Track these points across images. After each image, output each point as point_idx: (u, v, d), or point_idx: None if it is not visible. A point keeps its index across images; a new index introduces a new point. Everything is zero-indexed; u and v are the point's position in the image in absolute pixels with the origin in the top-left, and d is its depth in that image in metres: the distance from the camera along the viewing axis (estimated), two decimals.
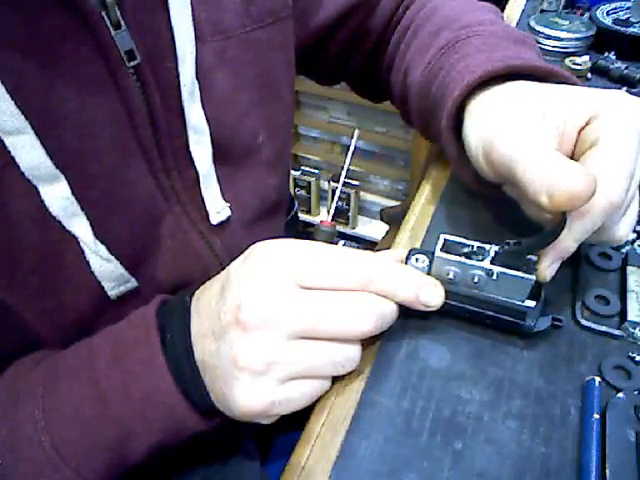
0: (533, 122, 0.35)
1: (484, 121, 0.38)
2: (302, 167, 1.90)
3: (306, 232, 1.19)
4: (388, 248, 0.49)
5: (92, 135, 0.35)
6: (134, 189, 0.38)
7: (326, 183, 1.89)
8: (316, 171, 1.89)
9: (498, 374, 0.36)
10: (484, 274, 0.35)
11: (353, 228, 1.93)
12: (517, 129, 0.35)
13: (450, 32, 0.47)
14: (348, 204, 1.87)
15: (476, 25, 0.46)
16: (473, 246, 0.36)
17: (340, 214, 1.92)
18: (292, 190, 1.93)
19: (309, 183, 1.89)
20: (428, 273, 0.36)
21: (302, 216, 1.95)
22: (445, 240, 0.36)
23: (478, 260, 0.35)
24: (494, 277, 0.35)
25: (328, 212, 1.70)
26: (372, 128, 1.74)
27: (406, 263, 0.37)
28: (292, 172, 1.90)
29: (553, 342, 0.38)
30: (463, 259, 0.35)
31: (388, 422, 0.34)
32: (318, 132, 1.88)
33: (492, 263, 0.35)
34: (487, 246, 0.35)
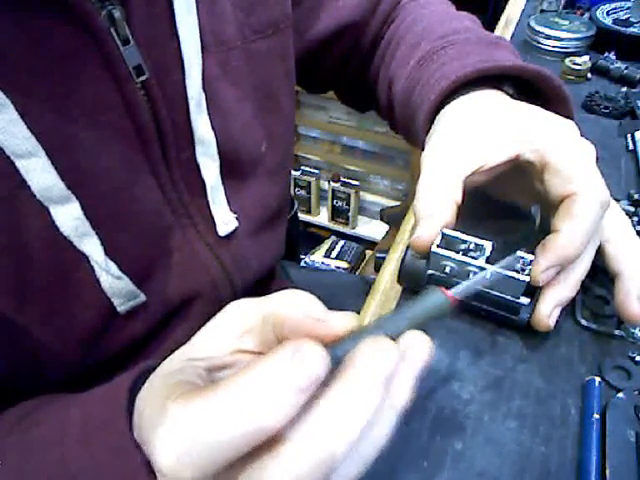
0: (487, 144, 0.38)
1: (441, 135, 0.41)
2: (302, 167, 1.90)
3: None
4: (388, 248, 0.49)
5: (102, 152, 0.35)
6: (142, 204, 0.38)
7: (326, 183, 1.89)
8: (316, 171, 1.89)
9: (498, 374, 0.36)
10: (479, 272, 0.35)
11: (353, 228, 1.93)
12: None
13: (428, 43, 0.48)
14: (348, 204, 1.87)
15: (452, 34, 0.48)
16: (471, 243, 0.36)
17: (340, 214, 1.92)
18: (292, 190, 1.93)
19: (309, 183, 1.89)
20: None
21: (302, 216, 1.95)
22: (444, 235, 0.36)
23: (474, 258, 0.35)
24: (488, 276, 0.35)
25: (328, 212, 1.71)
26: (372, 128, 1.74)
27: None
28: (292, 172, 1.90)
29: (553, 342, 0.38)
30: (459, 256, 0.35)
31: None
32: (318, 132, 1.88)
33: (487, 261, 0.35)
34: (485, 243, 0.36)
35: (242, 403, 0.20)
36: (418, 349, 0.24)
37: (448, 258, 0.36)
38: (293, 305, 0.25)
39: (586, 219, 0.33)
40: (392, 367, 0.22)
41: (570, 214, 0.33)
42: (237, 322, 0.26)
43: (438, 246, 0.36)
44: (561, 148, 0.35)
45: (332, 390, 0.21)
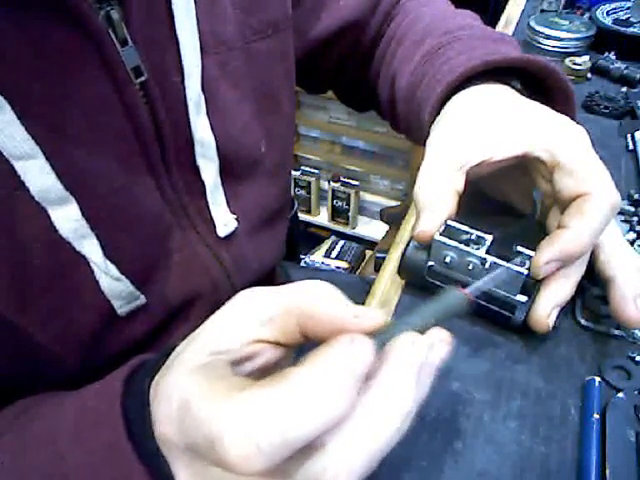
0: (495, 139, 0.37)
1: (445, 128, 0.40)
2: (302, 167, 1.90)
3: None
4: (388, 248, 0.49)
5: (100, 154, 0.35)
6: (142, 205, 0.38)
7: (326, 183, 1.89)
8: (316, 171, 1.89)
9: (498, 374, 0.36)
10: (479, 262, 0.36)
11: (353, 228, 1.93)
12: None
13: (433, 39, 0.48)
14: (348, 204, 1.87)
15: (456, 30, 0.48)
16: (473, 234, 0.36)
17: (340, 214, 1.92)
18: (292, 190, 1.93)
19: (309, 183, 1.89)
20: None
21: (302, 216, 1.95)
22: (447, 225, 0.37)
23: (475, 249, 0.36)
24: (487, 266, 0.35)
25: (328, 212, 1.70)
26: (372, 128, 1.74)
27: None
28: (292, 172, 1.89)
29: (553, 342, 0.38)
30: (460, 245, 0.36)
31: None
32: (318, 132, 1.88)
33: (488, 253, 0.35)
34: (486, 236, 0.36)
35: (311, 393, 0.21)
36: (440, 344, 0.26)
37: (450, 246, 0.36)
38: (319, 298, 0.25)
39: (596, 219, 0.34)
40: (422, 361, 0.24)
41: (581, 212, 0.34)
42: (256, 311, 0.26)
43: (440, 234, 0.36)
44: (575, 149, 0.36)
45: (381, 381, 0.23)
